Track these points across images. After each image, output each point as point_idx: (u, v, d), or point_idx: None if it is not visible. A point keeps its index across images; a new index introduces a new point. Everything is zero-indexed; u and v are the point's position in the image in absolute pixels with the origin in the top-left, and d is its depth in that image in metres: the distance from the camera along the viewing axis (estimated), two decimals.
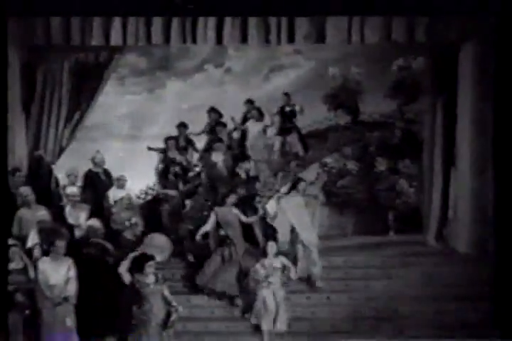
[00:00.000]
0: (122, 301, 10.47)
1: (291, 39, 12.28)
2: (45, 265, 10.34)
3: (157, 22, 12.22)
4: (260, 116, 13.84)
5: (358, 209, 13.94)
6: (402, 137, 14.49)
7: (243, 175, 12.74)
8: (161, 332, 9.81)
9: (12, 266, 10.50)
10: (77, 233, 11.52)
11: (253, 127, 13.81)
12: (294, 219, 11.82)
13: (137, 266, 9.89)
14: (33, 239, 11.06)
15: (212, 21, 12.25)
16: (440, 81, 12.95)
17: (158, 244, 11.66)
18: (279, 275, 10.69)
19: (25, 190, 11.73)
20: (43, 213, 11.44)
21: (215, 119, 13.84)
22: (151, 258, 10.09)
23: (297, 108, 13.99)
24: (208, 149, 13.42)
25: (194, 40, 12.32)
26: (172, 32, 12.28)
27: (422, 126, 13.65)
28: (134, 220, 11.83)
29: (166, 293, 9.93)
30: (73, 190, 12.11)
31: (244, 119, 13.95)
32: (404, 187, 13.78)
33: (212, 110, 13.92)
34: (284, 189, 12.31)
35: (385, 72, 14.48)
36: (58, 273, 10.30)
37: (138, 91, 14.81)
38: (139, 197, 13.75)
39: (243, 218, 11.82)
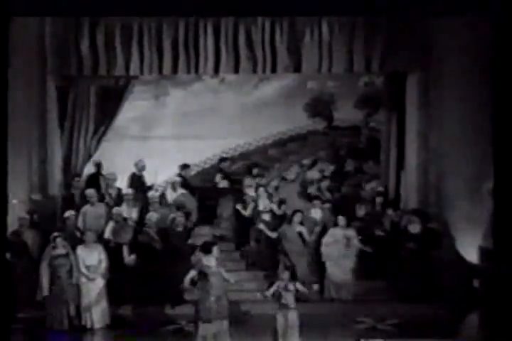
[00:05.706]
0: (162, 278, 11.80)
1: (273, 70, 13.36)
2: (80, 251, 11.91)
3: (167, 55, 13.28)
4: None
5: (330, 200, 14.16)
6: (367, 143, 15.88)
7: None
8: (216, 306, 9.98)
9: (57, 252, 11.63)
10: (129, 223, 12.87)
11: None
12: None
13: (205, 249, 10.18)
14: (109, 230, 12.62)
15: (211, 55, 13.27)
16: (393, 100, 14.20)
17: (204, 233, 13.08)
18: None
19: (90, 192, 13.14)
20: (116, 210, 12.81)
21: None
22: (216, 243, 10.53)
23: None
24: None
25: (196, 70, 13.38)
26: (180, 64, 13.33)
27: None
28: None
29: (224, 273, 10.14)
30: (128, 191, 13.37)
31: None
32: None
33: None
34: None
35: (354, 86, 15.91)
36: (92, 256, 11.88)
37: (146, 97, 16.01)
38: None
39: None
